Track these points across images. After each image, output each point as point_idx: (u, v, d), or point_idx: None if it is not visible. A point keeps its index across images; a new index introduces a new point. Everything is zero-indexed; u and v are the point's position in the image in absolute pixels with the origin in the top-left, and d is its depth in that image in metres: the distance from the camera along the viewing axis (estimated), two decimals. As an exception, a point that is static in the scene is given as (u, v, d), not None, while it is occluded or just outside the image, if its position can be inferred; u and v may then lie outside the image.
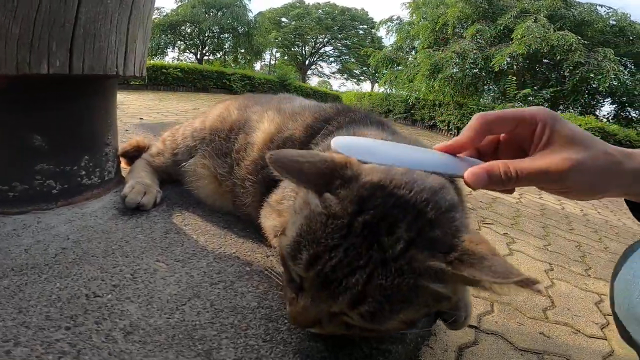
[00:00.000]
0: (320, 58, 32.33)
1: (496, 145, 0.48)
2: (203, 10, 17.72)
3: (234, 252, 0.65)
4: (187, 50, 19.97)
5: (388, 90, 14.90)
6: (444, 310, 0.54)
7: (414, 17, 14.13)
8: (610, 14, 11.93)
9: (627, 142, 7.90)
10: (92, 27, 0.65)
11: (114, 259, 0.57)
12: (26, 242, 0.57)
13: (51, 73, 0.60)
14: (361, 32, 29.51)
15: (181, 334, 0.42)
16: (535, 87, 10.80)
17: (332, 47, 31.30)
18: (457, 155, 0.46)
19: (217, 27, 18.37)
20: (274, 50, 30.13)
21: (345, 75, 33.59)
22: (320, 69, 35.47)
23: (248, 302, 0.52)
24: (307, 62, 31.64)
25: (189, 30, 18.18)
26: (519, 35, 10.16)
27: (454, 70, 11.36)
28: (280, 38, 28.33)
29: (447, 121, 10.71)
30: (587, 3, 11.92)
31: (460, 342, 1.25)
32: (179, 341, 0.42)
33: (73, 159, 0.74)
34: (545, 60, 11.21)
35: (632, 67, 11.80)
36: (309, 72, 33.48)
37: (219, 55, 20.67)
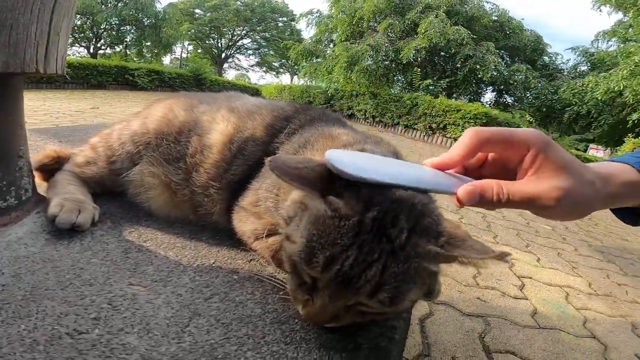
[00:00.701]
0: (238, 51, 31.12)
1: (482, 163, 0.48)
2: (99, 0, 15.64)
3: (213, 263, 0.61)
4: (77, 44, 17.49)
5: (308, 82, 15.11)
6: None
7: (333, 11, 14.41)
8: (493, 9, 13.61)
9: (506, 124, 9.29)
10: (9, 17, 0.54)
11: (75, 289, 0.49)
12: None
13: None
14: (281, 24, 29.05)
15: (202, 356, 0.39)
16: (435, 78, 11.93)
17: (250, 40, 30.32)
18: (446, 171, 0.46)
19: (115, 19, 16.42)
20: (186, 43, 27.95)
21: (265, 68, 32.95)
22: (238, 62, 34.23)
23: (252, 310, 0.49)
24: (223, 55, 30.17)
25: (79, 23, 15.88)
26: (423, 30, 11.12)
27: (369, 62, 12.00)
28: (193, 30, 26.41)
29: (363, 110, 11.33)
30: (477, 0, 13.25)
31: (419, 315, 1.38)
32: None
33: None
34: (443, 53, 12.42)
35: (508, 59, 13.79)
36: (226, 65, 32.07)
37: (118, 49, 18.55)
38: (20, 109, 0.69)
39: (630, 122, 9.43)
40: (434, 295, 0.64)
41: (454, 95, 12.92)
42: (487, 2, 13.55)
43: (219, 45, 29.69)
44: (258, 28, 28.76)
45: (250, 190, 0.65)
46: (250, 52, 31.28)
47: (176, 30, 18.88)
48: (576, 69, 14.50)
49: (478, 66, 11.41)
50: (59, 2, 0.62)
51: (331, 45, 15.09)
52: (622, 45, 11.22)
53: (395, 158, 0.55)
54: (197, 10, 26.76)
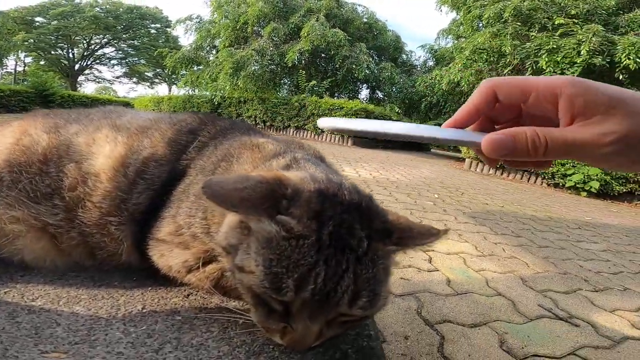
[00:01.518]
0: (98, 61, 27.13)
1: (517, 116, 0.40)
2: None
3: (142, 309, 0.49)
4: None
5: (190, 91, 14.23)
6: None
7: (216, 16, 13.98)
8: (364, 12, 15.00)
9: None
10: None
11: None
12: None
13: None
14: (154, 31, 26.27)
15: None
16: (318, 79, 12.53)
17: (114, 49, 26.70)
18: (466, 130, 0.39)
19: None
20: (22, 54, 23.05)
21: (135, 79, 29.53)
22: (98, 74, 29.64)
23: (218, 350, 0.41)
24: (77, 66, 25.89)
25: None
26: (305, 33, 11.53)
27: (255, 67, 11.93)
28: (32, 40, 21.88)
29: (253, 116, 11.28)
30: (351, 3, 14.45)
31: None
32: None
33: None
34: (324, 55, 13.16)
35: (377, 58, 15.29)
36: (82, 77, 27.61)
37: None
38: None
39: None
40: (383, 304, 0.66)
41: (336, 94, 13.89)
42: (359, 5, 14.86)
43: (71, 56, 25.41)
44: (124, 36, 25.57)
45: (165, 219, 0.55)
46: (114, 62, 27.58)
47: (7, 41, 15.67)
48: (426, 64, 16.92)
49: (354, 66, 12.48)
50: None
51: (214, 52, 14.63)
52: (456, 42, 13.22)
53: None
54: (38, 18, 22.31)
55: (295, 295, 0.38)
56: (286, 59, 11.75)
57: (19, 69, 23.32)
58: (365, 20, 15.03)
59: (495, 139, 0.34)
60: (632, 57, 6.40)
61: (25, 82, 14.34)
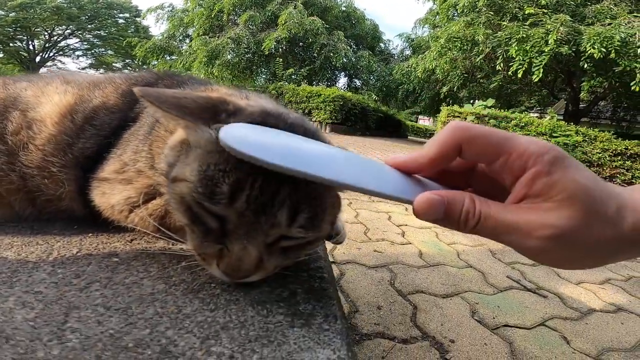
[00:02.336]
0: (61, 53, 25.74)
1: (470, 172, 0.36)
2: None
3: (77, 252, 0.45)
4: None
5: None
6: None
7: (189, 4, 13.76)
8: (342, 1, 14.99)
9: (358, 104, 10.49)
10: None
11: None
12: None
13: None
14: (122, 21, 25.06)
15: (105, 350, 0.27)
16: (296, 67, 12.46)
17: (78, 40, 25.36)
18: (414, 175, 0.34)
19: None
20: (-23, 48, 21.61)
21: (102, 70, 28.24)
22: (63, 65, 28.08)
23: (153, 288, 0.38)
24: (38, 58, 24.53)
25: None
26: (283, 21, 11.42)
27: (231, 55, 11.69)
28: (-12, 33, 20.50)
29: (230, 105, 11.12)
30: None
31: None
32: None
33: None
34: (301, 43, 13.07)
35: (355, 47, 15.39)
36: (44, 70, 26.15)
37: None
38: None
39: (442, 94, 11.43)
40: (341, 236, 0.64)
41: (314, 81, 13.84)
42: None
43: (31, 47, 24.00)
44: (89, 26, 24.30)
45: (111, 159, 0.54)
46: (79, 53, 26.24)
47: None
48: (403, 53, 17.22)
49: (332, 54, 12.48)
50: None
51: (187, 41, 14.30)
52: (432, 31, 13.53)
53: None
54: None
55: (229, 203, 0.35)
56: (263, 47, 11.60)
57: None
58: (343, 8, 15.02)
59: (429, 200, 0.30)
60: (596, 47, 6.66)
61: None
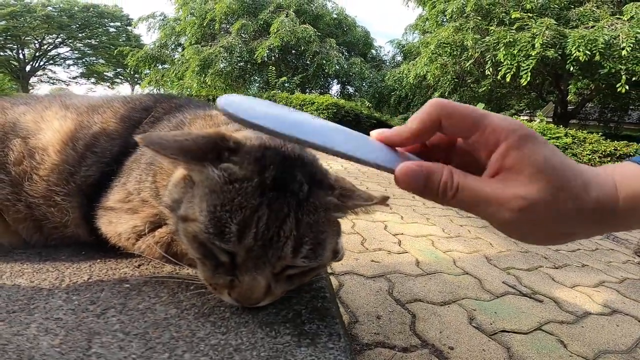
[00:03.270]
0: (52, 62, 25.54)
1: (450, 147, 0.37)
2: None
3: (88, 279, 0.46)
4: None
5: (154, 90, 13.78)
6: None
7: (181, 13, 13.67)
8: (334, 8, 14.99)
9: (352, 111, 10.42)
10: None
11: None
12: None
13: None
14: (113, 30, 24.90)
15: None
16: (289, 75, 12.44)
17: (69, 48, 25.18)
18: (397, 148, 0.35)
19: None
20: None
21: (94, 79, 28.03)
22: (53, 75, 27.83)
23: (165, 313, 0.39)
24: (28, 67, 24.32)
25: None
26: (275, 29, 11.43)
27: (223, 64, 11.69)
28: (-21, 41, 20.32)
29: (223, 114, 11.08)
30: None
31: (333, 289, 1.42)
32: None
33: None
34: (294, 51, 13.06)
35: (347, 54, 15.37)
36: (34, 79, 25.88)
37: None
38: None
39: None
40: (339, 255, 0.66)
41: (307, 89, 13.77)
42: (329, 1, 14.83)
43: (21, 57, 23.85)
44: (80, 35, 24.18)
45: (115, 188, 0.55)
46: (70, 62, 26.06)
47: None
48: (394, 59, 17.19)
49: (324, 61, 12.46)
50: None
51: (179, 50, 14.23)
52: (422, 37, 13.53)
53: None
54: None
55: (239, 240, 0.37)
56: (255, 56, 11.59)
57: None
58: (335, 16, 15.00)
59: (410, 170, 0.31)
60: (581, 50, 6.77)
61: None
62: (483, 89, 10.01)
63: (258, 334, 0.38)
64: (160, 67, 14.29)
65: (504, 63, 7.77)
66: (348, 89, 16.04)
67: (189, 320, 0.39)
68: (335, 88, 16.29)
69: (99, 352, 0.32)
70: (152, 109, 0.65)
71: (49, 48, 24.52)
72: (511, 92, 11.42)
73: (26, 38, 22.76)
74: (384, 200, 0.42)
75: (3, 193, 0.56)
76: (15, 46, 23.11)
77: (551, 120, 10.10)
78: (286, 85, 11.88)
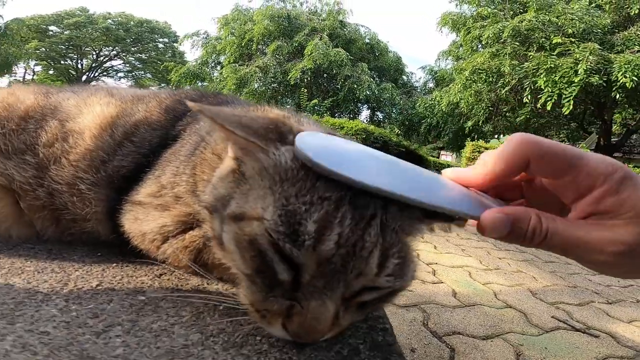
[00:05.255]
0: (105, 73, 27.58)
1: (525, 183, 0.36)
2: None
3: (97, 285, 0.39)
4: None
5: (193, 108, 14.54)
6: None
7: (222, 32, 14.32)
8: (367, 33, 15.27)
9: (380, 138, 10.55)
10: None
11: None
12: None
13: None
14: (161, 45, 26.47)
15: None
16: (320, 98, 12.66)
17: (122, 61, 27.15)
18: (470, 189, 0.33)
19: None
20: (32, 62, 23.41)
21: (139, 93, 30.03)
22: (104, 85, 30.17)
23: (185, 339, 0.31)
24: (84, 77, 26.33)
25: None
26: (309, 52, 11.77)
27: (258, 84, 12.11)
28: (44, 49, 22.27)
29: (253, 134, 11.43)
30: (354, 24, 14.75)
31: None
32: None
33: None
34: (325, 74, 13.30)
35: (377, 79, 15.47)
36: (89, 89, 28.05)
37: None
38: None
39: (467, 128, 10.65)
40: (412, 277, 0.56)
41: (337, 113, 13.92)
42: (362, 26, 15.11)
43: (79, 66, 25.85)
44: (133, 49, 26.04)
45: (148, 181, 0.49)
46: (121, 74, 28.07)
47: (19, 48, 15.97)
48: (426, 85, 16.88)
49: (355, 86, 12.56)
50: None
51: (218, 68, 14.87)
52: (455, 63, 13.22)
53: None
54: (52, 27, 22.79)
55: (315, 245, 0.28)
56: (289, 77, 11.92)
57: (28, 77, 23.24)
58: (367, 40, 15.19)
59: (496, 219, 0.30)
60: (628, 75, 6.42)
61: (32, 90, 14.59)
62: (520, 118, 9.64)
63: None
64: (199, 84, 15.01)
65: (545, 90, 7.45)
66: (377, 114, 16.02)
67: (215, 351, 0.30)
68: (364, 113, 16.33)
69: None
70: (197, 101, 0.62)
71: (104, 60, 26.38)
72: (550, 122, 10.94)
73: (85, 49, 24.60)
74: (463, 220, 0.34)
75: (26, 175, 0.52)
76: (76, 56, 25.08)
77: (594, 152, 9.55)
78: (316, 108, 12.06)
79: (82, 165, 0.52)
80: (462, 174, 0.34)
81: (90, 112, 0.57)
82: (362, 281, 0.30)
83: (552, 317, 1.52)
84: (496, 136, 10.44)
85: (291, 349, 0.31)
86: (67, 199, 0.51)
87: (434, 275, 1.93)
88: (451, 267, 2.06)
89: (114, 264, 0.45)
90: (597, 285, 2.14)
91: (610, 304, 1.83)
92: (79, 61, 25.65)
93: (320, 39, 12.16)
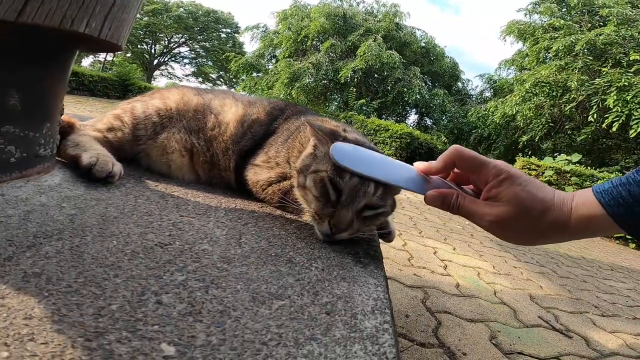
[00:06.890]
0: (173, 58, 29.63)
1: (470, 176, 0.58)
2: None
3: (234, 206, 0.77)
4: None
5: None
6: (384, 226, 0.82)
7: (280, 27, 14.68)
8: (423, 36, 14.92)
9: (425, 144, 10.16)
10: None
11: (140, 218, 0.58)
12: (14, 213, 0.50)
13: (86, 33, 0.57)
14: (224, 35, 28.01)
15: (261, 254, 0.57)
16: (368, 98, 12.63)
17: (188, 48, 28.92)
18: (429, 176, 0.60)
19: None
20: (114, 45, 25.57)
21: (200, 79, 31.82)
22: (171, 70, 32.33)
23: (279, 232, 0.68)
24: (155, 61, 28.38)
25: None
26: (361, 52, 11.88)
27: (309, 80, 12.34)
28: (126, 33, 24.46)
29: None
30: (410, 26, 14.49)
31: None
32: (265, 258, 0.55)
33: (37, 124, 0.63)
34: (376, 75, 13.27)
35: (430, 84, 15.00)
36: (157, 72, 30.29)
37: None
38: (69, 69, 0.72)
39: (521, 143, 10.36)
40: (391, 234, 0.86)
41: (384, 115, 13.66)
42: (418, 29, 14.87)
43: (153, 51, 28.04)
44: (199, 37, 27.64)
45: (260, 154, 0.88)
46: (186, 61, 30.01)
47: None
48: (482, 94, 16.05)
49: (405, 89, 12.39)
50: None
51: (274, 61, 15.29)
52: (518, 73, 12.29)
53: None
54: None
55: (348, 181, 0.62)
56: (339, 75, 12.04)
57: (108, 58, 25.81)
58: (423, 44, 14.80)
59: (431, 195, 0.57)
60: None
61: (111, 71, 16.01)
62: (582, 137, 8.95)
63: (332, 254, 0.64)
64: (255, 75, 15.54)
65: (613, 109, 7.01)
66: (426, 120, 15.36)
67: (293, 238, 0.67)
68: (412, 117, 15.87)
69: (245, 241, 0.61)
70: (285, 110, 0.99)
71: (174, 46, 28.45)
72: (618, 145, 9.94)
73: (159, 35, 26.60)
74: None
75: (200, 144, 0.90)
76: (150, 41, 27.28)
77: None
78: (364, 108, 12.03)
79: (229, 142, 0.90)
80: (425, 166, 0.59)
81: (229, 111, 0.94)
82: (365, 199, 0.64)
83: (539, 317, 1.68)
84: (554, 154, 9.30)
85: (323, 245, 0.68)
86: (221, 157, 0.90)
87: (445, 269, 2.11)
88: (463, 266, 2.27)
89: (238, 199, 0.84)
90: (603, 302, 2.22)
91: (604, 316, 1.94)
92: (153, 46, 27.76)
93: (374, 40, 12.18)
